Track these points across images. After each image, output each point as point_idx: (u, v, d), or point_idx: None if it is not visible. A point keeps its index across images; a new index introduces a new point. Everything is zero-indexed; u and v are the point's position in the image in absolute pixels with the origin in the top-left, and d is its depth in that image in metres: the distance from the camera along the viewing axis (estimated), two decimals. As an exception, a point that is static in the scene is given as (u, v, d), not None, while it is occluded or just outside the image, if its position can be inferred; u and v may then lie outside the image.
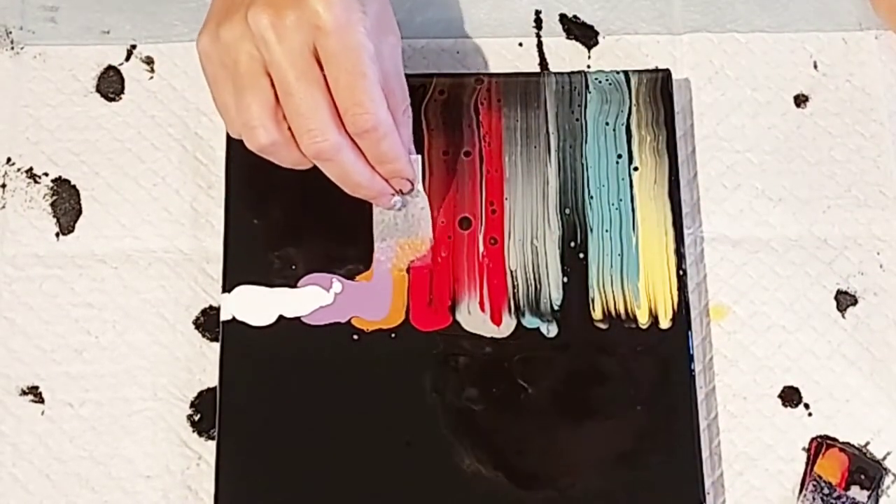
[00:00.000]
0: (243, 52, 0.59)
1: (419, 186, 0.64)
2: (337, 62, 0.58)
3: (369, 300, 0.65)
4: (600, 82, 0.69)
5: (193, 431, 0.65)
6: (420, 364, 0.64)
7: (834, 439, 0.65)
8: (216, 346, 0.65)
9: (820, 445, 0.64)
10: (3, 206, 0.69)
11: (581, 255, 0.66)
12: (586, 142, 0.68)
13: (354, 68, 0.58)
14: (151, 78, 0.71)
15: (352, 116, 0.59)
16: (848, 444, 0.65)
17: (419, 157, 0.64)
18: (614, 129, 0.68)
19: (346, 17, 0.58)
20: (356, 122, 0.59)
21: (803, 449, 0.65)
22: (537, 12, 0.73)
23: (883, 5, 0.70)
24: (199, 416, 0.65)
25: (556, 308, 0.65)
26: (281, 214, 0.66)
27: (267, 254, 0.66)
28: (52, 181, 0.69)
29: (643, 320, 0.65)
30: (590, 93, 0.69)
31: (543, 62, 0.72)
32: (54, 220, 0.68)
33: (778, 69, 0.72)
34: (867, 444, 0.65)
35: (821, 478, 0.63)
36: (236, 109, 0.60)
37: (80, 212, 0.69)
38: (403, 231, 0.65)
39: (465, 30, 0.72)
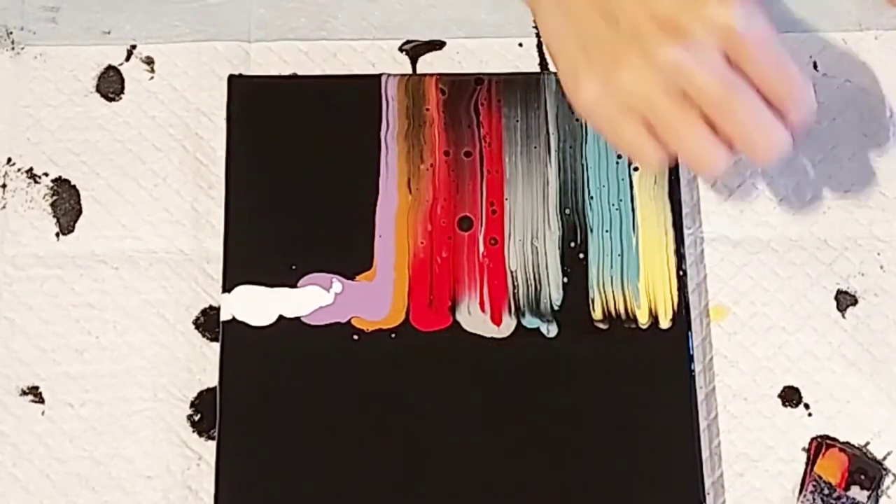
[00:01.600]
0: (653, 91, 0.57)
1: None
2: (760, 57, 0.56)
3: (369, 300, 0.65)
4: (600, 82, 0.69)
5: (193, 431, 0.65)
6: (420, 364, 0.64)
7: (834, 439, 0.65)
8: (216, 346, 0.65)
9: (820, 446, 0.64)
10: (4, 206, 0.69)
11: (581, 256, 0.66)
12: (586, 142, 0.68)
13: (777, 58, 0.56)
14: (151, 78, 0.71)
15: (794, 107, 0.57)
16: (848, 444, 0.65)
17: None
18: (614, 130, 0.68)
19: (746, 9, 0.56)
20: (799, 108, 0.57)
21: (803, 449, 0.65)
22: (537, 13, 0.73)
23: None
24: (199, 416, 0.65)
25: (556, 308, 0.65)
26: (281, 214, 0.67)
27: (267, 254, 0.66)
28: (52, 181, 0.69)
29: (643, 320, 0.65)
30: (590, 93, 0.69)
31: (543, 62, 0.72)
32: (54, 220, 0.68)
33: (778, 69, 0.72)
34: (867, 444, 0.65)
35: (821, 478, 0.63)
36: (665, 142, 0.58)
37: (80, 212, 0.69)
38: None
39: (465, 30, 0.72)
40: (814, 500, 0.63)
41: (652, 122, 0.57)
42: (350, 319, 0.65)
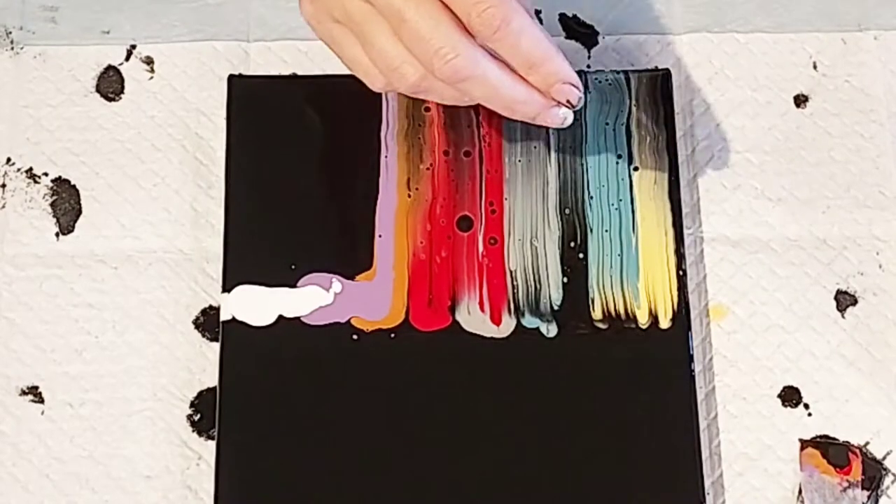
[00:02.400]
0: (349, 2, 0.54)
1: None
2: None
3: (369, 300, 0.65)
4: (600, 82, 0.69)
5: (193, 431, 0.65)
6: (420, 364, 0.64)
7: (834, 439, 0.65)
8: (216, 346, 0.65)
9: (820, 445, 0.64)
10: (3, 206, 0.69)
11: (581, 256, 0.66)
12: (586, 142, 0.68)
13: None
14: (151, 78, 0.71)
15: (476, 17, 0.52)
16: (848, 444, 0.65)
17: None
18: (614, 130, 0.68)
19: None
20: (483, 20, 0.52)
21: (803, 449, 0.65)
22: (537, 12, 0.72)
23: None
24: (199, 416, 0.65)
25: (555, 308, 0.65)
26: (281, 214, 0.66)
27: (267, 254, 0.66)
28: (52, 181, 0.69)
29: (643, 320, 0.65)
30: (590, 93, 0.69)
31: (543, 62, 0.72)
32: (54, 220, 0.68)
33: (778, 69, 0.72)
34: (867, 444, 0.65)
35: (821, 478, 0.63)
36: (372, 59, 0.55)
37: (80, 212, 0.69)
38: None
39: (465, 30, 0.72)
40: (813, 499, 0.63)
41: (355, 36, 0.55)
42: (350, 319, 0.65)
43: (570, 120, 0.57)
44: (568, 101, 0.56)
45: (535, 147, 0.68)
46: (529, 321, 0.65)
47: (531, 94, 0.55)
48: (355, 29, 0.55)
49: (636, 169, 0.67)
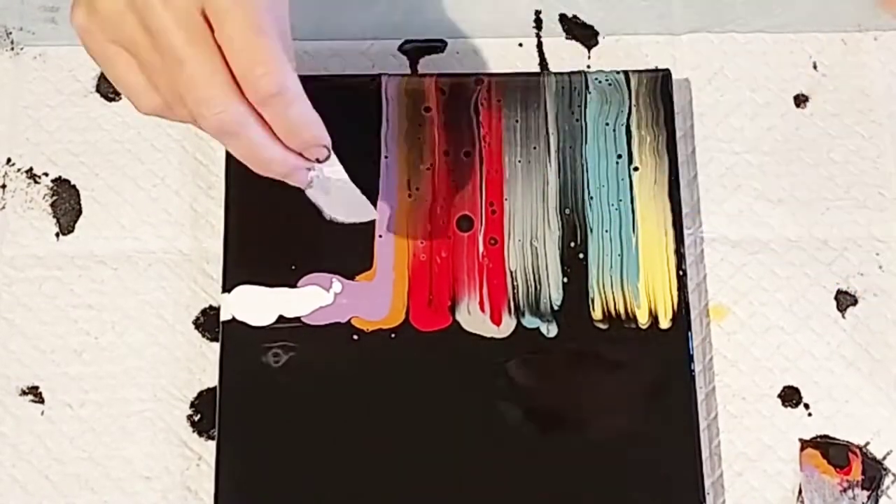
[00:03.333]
0: (129, 25, 0.52)
1: (333, 156, 0.57)
2: (229, 19, 0.51)
3: (369, 300, 0.65)
4: (600, 82, 0.69)
5: (193, 431, 0.65)
6: (420, 364, 0.64)
7: (834, 439, 0.65)
8: (216, 346, 0.65)
9: (820, 445, 0.64)
10: (3, 207, 0.69)
11: (581, 256, 0.66)
12: (586, 142, 0.68)
13: (250, 23, 0.51)
14: (151, 78, 0.71)
15: (253, 80, 0.51)
16: (848, 443, 0.65)
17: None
18: (614, 130, 0.68)
19: None
20: (259, 85, 0.51)
21: (803, 449, 0.65)
22: (537, 12, 0.73)
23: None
24: (199, 416, 0.65)
25: (556, 308, 0.65)
26: (281, 214, 0.66)
27: (267, 254, 0.66)
28: (52, 181, 0.69)
29: (643, 321, 0.65)
30: (590, 93, 0.69)
31: (543, 62, 0.72)
32: (54, 220, 0.68)
33: (778, 70, 0.72)
34: (867, 444, 0.65)
35: (821, 478, 0.63)
36: (160, 87, 0.53)
37: (79, 212, 0.69)
38: (327, 189, 0.59)
39: (465, 30, 0.72)
40: (813, 499, 0.63)
41: (134, 58, 0.53)
42: (350, 319, 0.64)
43: (315, 183, 0.58)
44: (316, 159, 0.57)
45: (535, 147, 0.68)
46: (529, 321, 0.65)
47: (286, 155, 0.55)
48: (135, 53, 0.53)
49: (636, 169, 0.67)
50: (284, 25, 0.55)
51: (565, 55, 0.72)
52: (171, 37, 0.51)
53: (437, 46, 0.72)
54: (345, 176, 0.59)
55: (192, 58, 0.51)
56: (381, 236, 0.66)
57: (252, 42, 0.51)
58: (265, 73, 0.51)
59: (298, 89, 0.53)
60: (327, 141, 0.56)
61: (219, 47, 0.52)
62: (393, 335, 0.64)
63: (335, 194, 0.60)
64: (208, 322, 0.66)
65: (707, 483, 0.63)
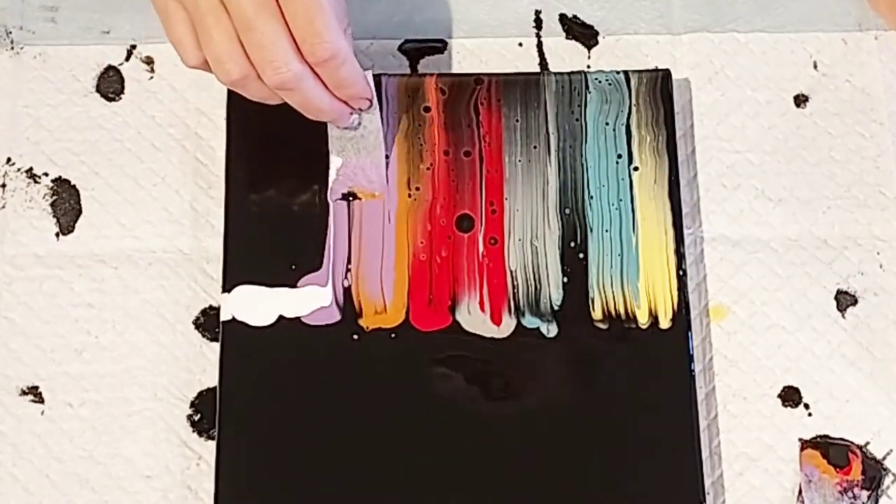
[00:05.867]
0: None
1: (375, 101, 0.65)
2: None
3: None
4: (600, 82, 0.69)
5: (193, 431, 0.65)
6: (420, 364, 0.64)
7: (834, 439, 0.65)
8: (216, 346, 0.65)
9: (819, 445, 0.64)
10: (3, 206, 0.69)
11: (581, 256, 0.66)
12: (586, 142, 0.68)
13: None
14: (151, 78, 0.71)
15: (310, 46, 0.60)
16: (848, 443, 0.65)
17: (370, 72, 0.64)
18: (614, 129, 0.68)
19: None
20: (315, 51, 0.60)
21: (803, 449, 0.65)
22: (537, 12, 0.73)
23: (882, 2, 0.70)
24: (199, 416, 0.65)
25: (556, 308, 0.65)
26: (281, 214, 0.66)
27: (267, 254, 0.66)
28: (52, 181, 0.69)
29: (643, 320, 0.65)
30: (590, 93, 0.69)
31: (543, 62, 0.72)
32: (54, 220, 0.68)
33: (778, 69, 0.72)
34: (867, 444, 0.65)
35: (821, 478, 0.63)
36: (201, 45, 0.60)
37: (80, 212, 0.69)
38: (357, 147, 0.67)
39: (465, 30, 0.72)
40: (813, 499, 0.63)
41: (192, 17, 0.60)
42: (350, 320, 0.64)
43: (356, 122, 0.65)
44: (359, 108, 0.65)
45: (535, 147, 0.68)
46: (529, 321, 0.65)
47: (333, 104, 0.63)
48: (195, 15, 0.60)
49: (636, 169, 0.67)
50: None
51: (565, 55, 0.72)
52: (242, 5, 0.59)
53: (437, 46, 0.72)
54: (379, 122, 0.66)
55: (261, 24, 0.59)
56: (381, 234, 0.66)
57: (311, 13, 0.59)
58: (322, 41, 0.59)
59: (348, 53, 0.61)
60: (370, 94, 0.64)
61: (283, 15, 0.59)
62: (393, 335, 0.64)
63: (360, 152, 0.67)
64: (208, 322, 0.66)
65: (707, 483, 0.63)
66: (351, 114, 0.65)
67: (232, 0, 0.59)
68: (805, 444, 0.65)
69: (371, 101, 0.64)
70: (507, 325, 0.65)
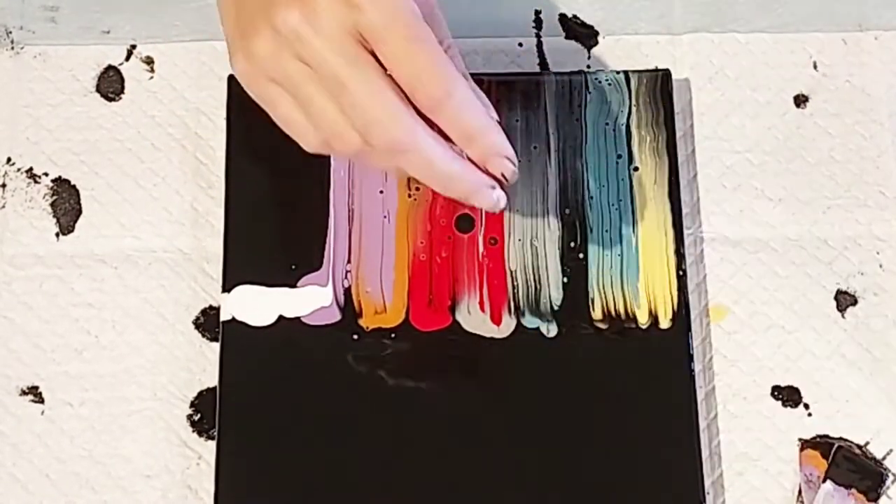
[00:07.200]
0: (286, 61, 0.53)
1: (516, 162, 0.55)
2: (387, 35, 0.51)
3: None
4: (600, 82, 0.69)
5: (193, 431, 0.65)
6: (420, 364, 0.64)
7: (834, 439, 0.65)
8: (216, 346, 0.65)
9: (819, 445, 0.64)
10: (3, 206, 0.69)
11: (581, 256, 0.66)
12: (586, 142, 0.68)
13: (406, 35, 0.51)
14: (151, 78, 0.71)
15: (421, 89, 0.52)
16: (848, 443, 0.65)
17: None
18: (614, 129, 0.68)
19: None
20: (427, 92, 0.52)
21: (802, 449, 0.65)
22: (537, 12, 0.73)
23: None
24: (199, 416, 0.65)
25: (556, 308, 0.65)
26: (281, 214, 0.66)
27: (267, 254, 0.66)
28: (52, 181, 0.69)
29: (643, 320, 0.65)
30: (590, 93, 0.69)
31: (543, 62, 0.72)
32: (54, 220, 0.68)
33: (778, 69, 0.72)
34: (867, 444, 0.65)
35: (820, 478, 0.63)
36: (314, 122, 0.54)
37: (80, 212, 0.69)
38: None
39: (465, 30, 0.72)
40: (814, 499, 0.63)
41: (292, 97, 0.54)
42: (349, 320, 0.64)
43: (503, 203, 0.56)
44: (503, 176, 0.56)
45: (535, 147, 0.68)
46: (529, 321, 0.65)
47: (466, 170, 0.54)
48: (293, 91, 0.54)
49: (636, 169, 0.67)
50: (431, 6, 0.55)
51: (565, 55, 0.72)
52: (329, 64, 0.52)
53: (437, 46, 0.72)
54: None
55: (352, 79, 0.52)
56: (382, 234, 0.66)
57: (413, 52, 0.52)
58: (430, 78, 0.52)
59: (469, 94, 0.53)
60: (511, 154, 0.54)
61: (380, 64, 0.52)
62: (393, 335, 0.64)
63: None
64: (208, 322, 0.66)
65: (707, 483, 0.63)
66: (493, 187, 0.55)
67: (317, 60, 0.52)
68: (805, 444, 0.65)
69: (515, 168, 0.54)
70: (507, 325, 0.65)
